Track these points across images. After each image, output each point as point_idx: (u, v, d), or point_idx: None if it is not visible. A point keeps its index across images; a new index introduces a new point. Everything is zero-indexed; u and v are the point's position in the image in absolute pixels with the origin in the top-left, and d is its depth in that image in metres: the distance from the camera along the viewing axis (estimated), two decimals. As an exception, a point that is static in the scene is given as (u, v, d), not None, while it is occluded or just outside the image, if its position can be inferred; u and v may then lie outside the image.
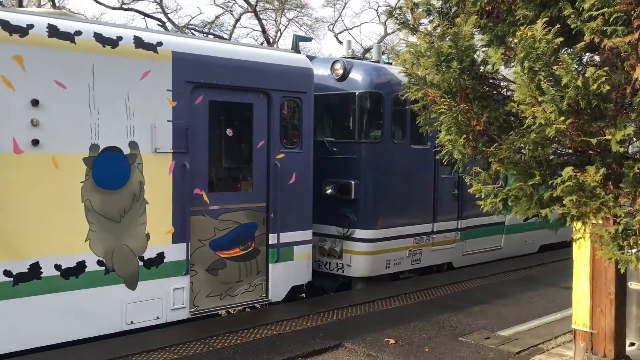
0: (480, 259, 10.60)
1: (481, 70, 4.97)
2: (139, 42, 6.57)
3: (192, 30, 28.90)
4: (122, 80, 6.40)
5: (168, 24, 27.66)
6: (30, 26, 5.88)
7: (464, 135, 4.84)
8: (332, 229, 8.96)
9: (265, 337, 6.62)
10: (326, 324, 7.17)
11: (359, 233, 8.83)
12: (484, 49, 4.98)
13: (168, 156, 6.79)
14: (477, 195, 5.03)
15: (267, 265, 7.78)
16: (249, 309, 8.00)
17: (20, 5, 18.04)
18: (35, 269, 5.90)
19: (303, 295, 8.79)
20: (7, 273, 5.73)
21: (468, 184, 5.41)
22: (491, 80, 5.21)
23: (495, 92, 5.25)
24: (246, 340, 6.51)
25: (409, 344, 6.53)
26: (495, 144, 4.79)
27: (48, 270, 5.98)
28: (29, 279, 5.86)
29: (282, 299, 7.98)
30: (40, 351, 5.91)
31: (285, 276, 7.95)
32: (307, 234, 8.23)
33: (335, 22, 32.62)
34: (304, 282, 8.30)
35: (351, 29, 34.31)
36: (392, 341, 6.58)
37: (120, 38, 6.43)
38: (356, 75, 9.02)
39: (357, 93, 8.94)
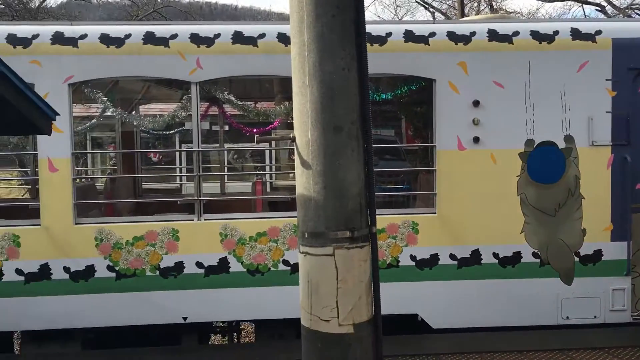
0: None
1: None
2: (576, 34, 6.45)
3: (637, 11, 26.22)
4: (557, 74, 6.41)
5: (608, 8, 25.81)
6: (473, 33, 6.45)
7: None
8: None
9: None
10: None
11: None
12: None
13: (606, 149, 6.46)
14: None
15: None
16: None
17: (463, 15, 19.75)
18: (476, 255, 6.47)
19: None
20: (452, 257, 6.45)
21: None
22: None
23: None
24: (702, 357, 5.69)
25: None
26: None
27: (487, 258, 6.47)
28: (470, 264, 6.47)
29: None
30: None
31: None
32: None
33: None
34: None
35: None
36: None
37: (556, 32, 6.45)
38: None
39: None
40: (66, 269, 6.12)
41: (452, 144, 6.42)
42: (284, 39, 6.26)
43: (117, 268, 6.16)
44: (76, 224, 6.16)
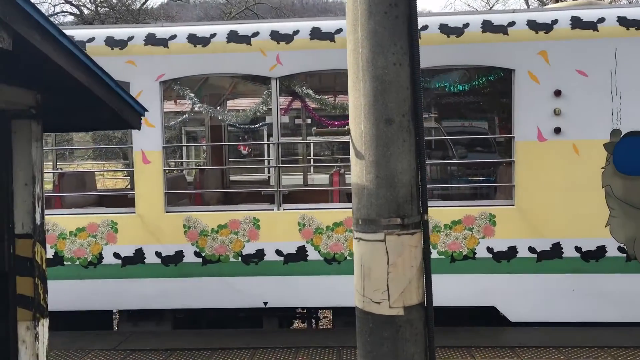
0: None
1: None
2: (665, 17, 6.13)
3: None
4: (647, 61, 6.13)
5: None
6: (555, 22, 6.28)
7: None
8: None
9: None
10: None
11: None
12: None
13: None
14: None
15: None
16: None
17: (557, 0, 18.90)
18: (556, 248, 6.31)
19: None
20: (531, 250, 6.33)
21: None
22: None
23: None
24: None
25: None
26: None
27: (569, 251, 6.29)
28: (551, 257, 6.31)
29: None
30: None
31: None
32: None
33: None
34: None
35: None
36: None
37: (645, 16, 6.16)
38: None
39: None
40: (158, 254, 6.61)
41: (531, 134, 6.30)
42: None
43: (203, 254, 6.57)
44: (167, 212, 6.63)
